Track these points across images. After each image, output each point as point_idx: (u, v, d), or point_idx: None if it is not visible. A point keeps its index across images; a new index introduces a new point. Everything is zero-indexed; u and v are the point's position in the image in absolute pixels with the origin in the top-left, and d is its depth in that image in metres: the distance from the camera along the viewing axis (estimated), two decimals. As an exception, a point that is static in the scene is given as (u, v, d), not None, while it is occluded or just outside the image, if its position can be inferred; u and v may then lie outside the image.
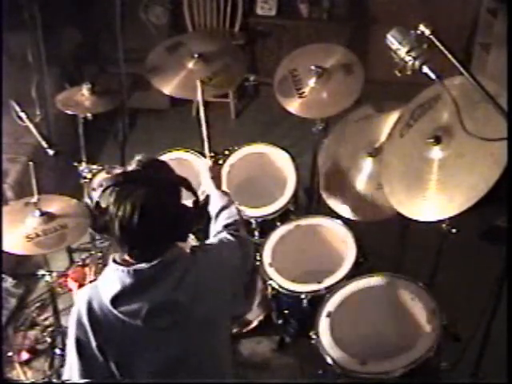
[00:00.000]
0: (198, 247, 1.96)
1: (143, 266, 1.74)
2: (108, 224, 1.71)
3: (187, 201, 1.84)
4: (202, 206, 3.15)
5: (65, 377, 1.87)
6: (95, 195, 1.76)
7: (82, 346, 1.80)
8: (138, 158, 1.78)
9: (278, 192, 3.19)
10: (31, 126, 2.90)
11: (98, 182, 3.21)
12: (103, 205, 1.71)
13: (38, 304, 3.43)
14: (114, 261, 1.78)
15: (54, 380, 3.03)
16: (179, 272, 1.78)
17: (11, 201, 3.47)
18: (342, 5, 5.00)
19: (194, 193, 1.84)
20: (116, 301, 1.75)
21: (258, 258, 2.95)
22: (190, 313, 1.81)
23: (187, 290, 1.79)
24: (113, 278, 1.76)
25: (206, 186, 2.64)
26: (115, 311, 1.75)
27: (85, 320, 1.78)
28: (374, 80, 3.51)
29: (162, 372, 1.85)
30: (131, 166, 1.78)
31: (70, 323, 1.82)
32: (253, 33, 5.11)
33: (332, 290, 2.71)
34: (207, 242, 2.07)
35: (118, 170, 1.77)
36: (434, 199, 2.23)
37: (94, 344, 1.78)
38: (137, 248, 1.76)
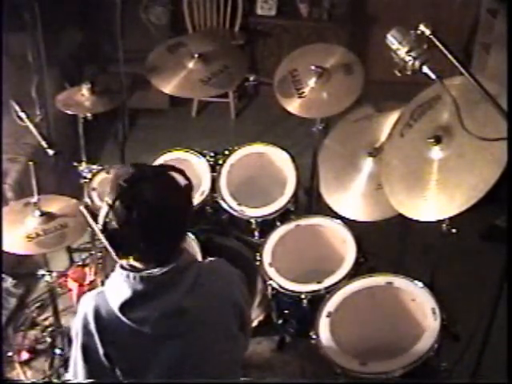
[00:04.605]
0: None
1: (155, 271, 1.73)
2: (116, 226, 1.68)
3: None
4: (201, 207, 3.19)
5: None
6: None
7: (88, 353, 1.78)
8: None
9: (278, 192, 3.19)
10: (31, 126, 2.89)
11: (99, 182, 3.22)
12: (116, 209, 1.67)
13: (38, 304, 3.43)
14: (122, 267, 1.76)
15: (54, 380, 3.03)
16: (191, 278, 1.77)
17: (11, 201, 3.47)
18: (341, 5, 5.01)
19: None
20: (125, 307, 1.73)
21: (258, 257, 2.95)
22: (200, 319, 1.79)
23: (198, 296, 1.77)
24: (122, 285, 1.74)
25: None
26: (124, 318, 1.73)
27: (92, 327, 1.75)
28: (373, 80, 3.51)
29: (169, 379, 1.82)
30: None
31: (75, 329, 1.80)
32: (253, 33, 5.11)
33: (332, 290, 2.71)
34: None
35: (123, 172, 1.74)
36: (434, 199, 2.23)
37: (101, 351, 1.76)
38: (141, 251, 1.73)
